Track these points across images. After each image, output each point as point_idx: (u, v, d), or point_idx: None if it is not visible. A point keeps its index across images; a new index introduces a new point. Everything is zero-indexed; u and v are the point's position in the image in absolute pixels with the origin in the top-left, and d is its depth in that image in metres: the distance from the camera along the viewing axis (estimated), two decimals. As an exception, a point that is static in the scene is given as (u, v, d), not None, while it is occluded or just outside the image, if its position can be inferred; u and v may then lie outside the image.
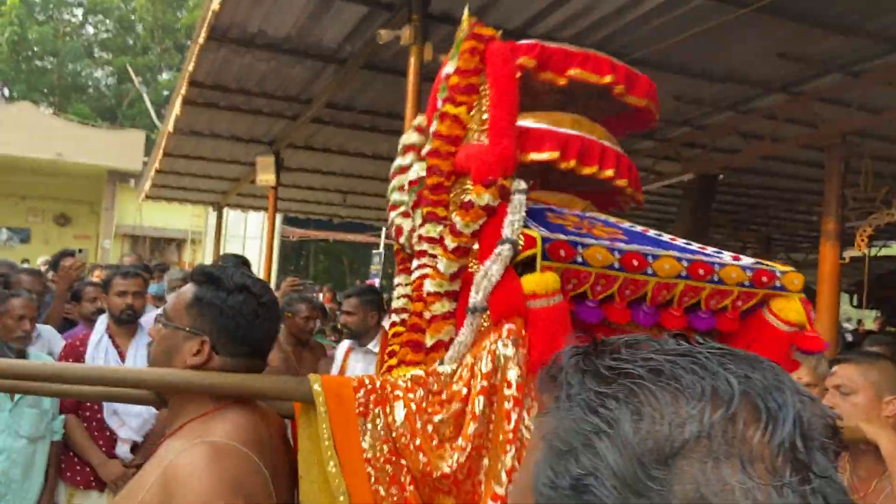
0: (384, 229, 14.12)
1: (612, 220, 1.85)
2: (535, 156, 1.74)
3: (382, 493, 1.41)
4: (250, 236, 18.13)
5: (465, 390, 1.44)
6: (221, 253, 10.78)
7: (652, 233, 1.84)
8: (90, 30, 28.36)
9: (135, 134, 19.02)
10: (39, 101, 24.77)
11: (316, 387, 1.43)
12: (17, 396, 2.93)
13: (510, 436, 1.36)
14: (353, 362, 3.88)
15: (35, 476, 3.00)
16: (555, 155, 1.73)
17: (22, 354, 3.02)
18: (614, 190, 1.91)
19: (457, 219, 1.56)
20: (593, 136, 1.82)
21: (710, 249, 1.77)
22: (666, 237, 1.82)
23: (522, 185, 1.59)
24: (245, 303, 1.42)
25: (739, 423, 0.43)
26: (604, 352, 0.48)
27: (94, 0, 27.07)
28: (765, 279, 1.68)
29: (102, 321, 3.50)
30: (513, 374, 1.39)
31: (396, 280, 1.91)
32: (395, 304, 1.85)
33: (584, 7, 4.68)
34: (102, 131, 19.34)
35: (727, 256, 1.73)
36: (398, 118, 5.70)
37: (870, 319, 14.82)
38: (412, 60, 4.48)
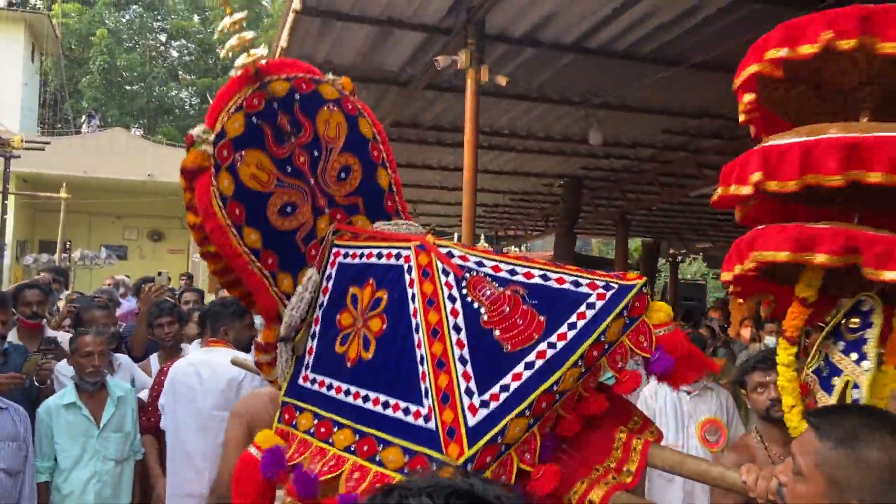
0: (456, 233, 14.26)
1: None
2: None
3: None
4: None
5: None
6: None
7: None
8: (174, 53, 29.86)
9: (218, 152, 19.93)
10: (131, 124, 26.27)
11: None
12: (102, 422, 3.17)
13: None
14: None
15: (124, 495, 3.25)
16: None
17: (101, 386, 3.20)
18: None
19: None
20: None
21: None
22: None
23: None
24: None
25: None
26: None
27: (176, 23, 28.47)
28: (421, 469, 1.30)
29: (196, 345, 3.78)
30: None
31: None
32: None
33: (642, 15, 4.67)
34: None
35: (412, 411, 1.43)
36: (462, 132, 5.83)
37: None
38: (469, 83, 4.59)
